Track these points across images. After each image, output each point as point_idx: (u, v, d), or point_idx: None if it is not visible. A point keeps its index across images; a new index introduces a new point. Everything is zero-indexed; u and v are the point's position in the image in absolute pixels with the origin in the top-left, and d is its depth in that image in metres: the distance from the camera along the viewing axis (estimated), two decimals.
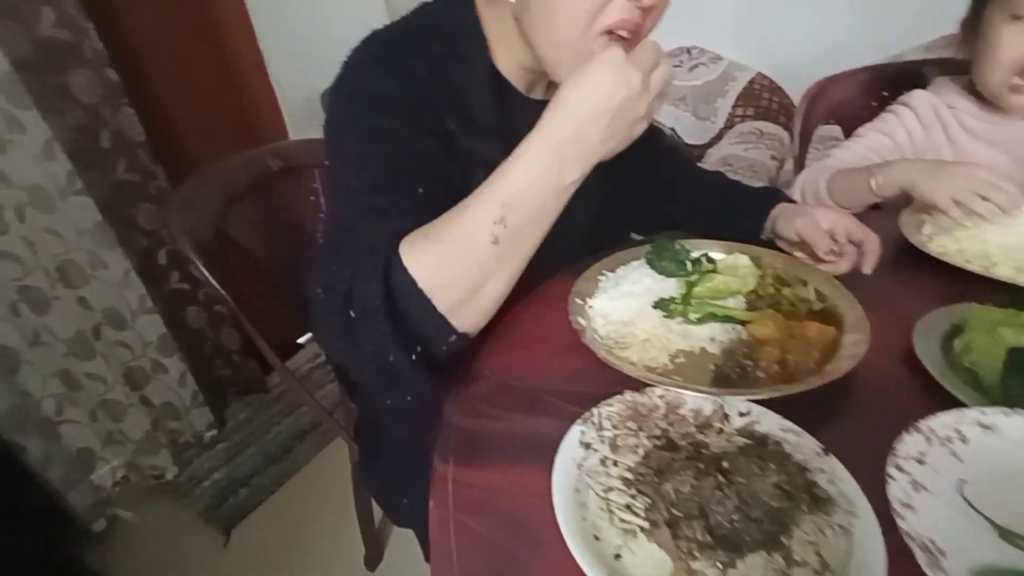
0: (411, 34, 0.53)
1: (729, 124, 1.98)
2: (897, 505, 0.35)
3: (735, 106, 1.97)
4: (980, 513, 0.35)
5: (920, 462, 0.38)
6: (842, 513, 0.36)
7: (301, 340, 1.81)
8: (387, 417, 0.82)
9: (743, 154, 1.82)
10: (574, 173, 0.40)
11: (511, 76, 0.57)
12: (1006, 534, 0.34)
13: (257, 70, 1.81)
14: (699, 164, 1.79)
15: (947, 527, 0.34)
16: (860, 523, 0.35)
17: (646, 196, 0.84)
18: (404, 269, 0.39)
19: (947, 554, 0.32)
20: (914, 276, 0.66)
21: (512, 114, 0.56)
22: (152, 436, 1.38)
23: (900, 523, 0.34)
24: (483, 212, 0.40)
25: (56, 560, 1.09)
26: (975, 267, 0.61)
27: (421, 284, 0.39)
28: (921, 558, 0.32)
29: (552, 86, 0.64)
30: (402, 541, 0.79)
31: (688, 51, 2.06)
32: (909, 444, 0.39)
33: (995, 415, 0.41)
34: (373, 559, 1.17)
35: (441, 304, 0.40)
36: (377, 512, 1.09)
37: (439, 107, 0.50)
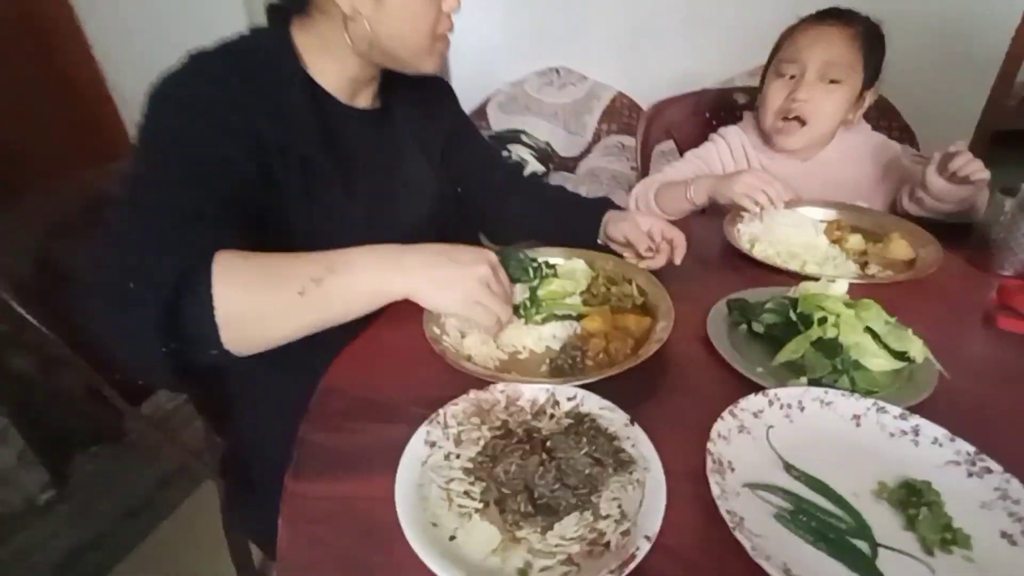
0: (228, 50, 0.59)
1: (596, 138, 2.18)
2: (715, 435, 0.45)
3: (600, 122, 2.17)
4: (773, 448, 0.46)
5: (755, 415, 0.48)
6: (639, 471, 0.43)
7: None
8: (259, 445, 0.78)
9: (608, 166, 2.03)
10: (398, 285, 0.47)
11: (331, 87, 0.66)
12: (788, 466, 0.45)
13: (93, 82, 1.61)
14: (559, 177, 2.00)
15: (748, 458, 0.44)
16: (651, 476, 0.42)
17: (493, 217, 0.91)
18: (208, 276, 0.42)
19: (735, 470, 0.43)
20: (721, 270, 0.81)
21: (332, 120, 0.65)
22: None
23: (709, 446, 0.44)
24: (308, 266, 0.45)
25: None
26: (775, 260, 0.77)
27: (215, 290, 0.42)
28: (711, 467, 0.42)
29: (377, 96, 0.73)
30: None
31: (557, 71, 2.24)
32: (754, 403, 0.49)
33: (833, 394, 0.50)
34: None
35: (221, 316, 0.42)
36: (256, 554, 1.02)
37: (247, 109, 0.55)
